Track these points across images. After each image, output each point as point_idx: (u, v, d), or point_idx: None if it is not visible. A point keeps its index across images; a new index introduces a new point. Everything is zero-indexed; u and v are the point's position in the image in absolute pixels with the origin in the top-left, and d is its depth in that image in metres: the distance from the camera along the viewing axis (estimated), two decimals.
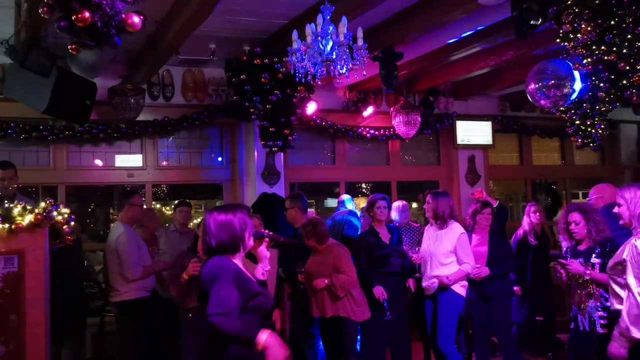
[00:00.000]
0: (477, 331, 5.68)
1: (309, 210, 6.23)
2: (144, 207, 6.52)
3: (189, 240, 5.83)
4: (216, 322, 2.75)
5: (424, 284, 5.48)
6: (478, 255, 5.53)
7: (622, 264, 3.55)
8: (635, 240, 3.48)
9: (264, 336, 2.78)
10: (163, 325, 5.59)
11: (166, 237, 6.12)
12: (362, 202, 8.85)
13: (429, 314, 5.55)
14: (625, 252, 3.54)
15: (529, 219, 6.60)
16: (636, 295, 3.38)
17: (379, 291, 5.31)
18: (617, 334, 3.49)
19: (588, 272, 4.26)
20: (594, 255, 4.31)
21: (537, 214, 6.60)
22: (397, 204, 6.45)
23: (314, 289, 5.06)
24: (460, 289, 5.31)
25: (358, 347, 5.49)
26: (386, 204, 5.73)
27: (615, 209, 3.78)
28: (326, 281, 5.02)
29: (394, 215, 6.41)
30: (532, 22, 4.33)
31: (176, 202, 6.80)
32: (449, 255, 5.33)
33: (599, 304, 4.22)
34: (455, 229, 5.40)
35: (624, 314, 3.44)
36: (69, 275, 5.18)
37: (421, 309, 5.90)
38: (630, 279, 3.43)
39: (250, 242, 3.09)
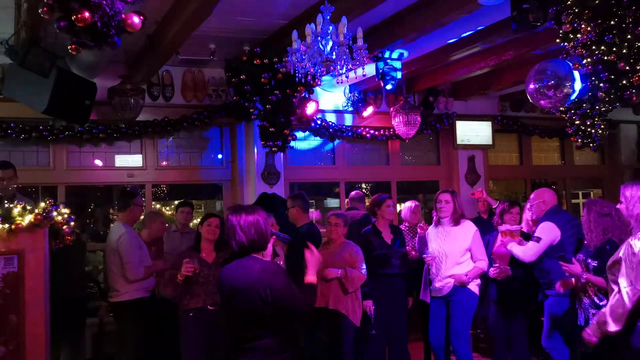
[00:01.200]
0: (497, 333, 5.64)
1: (310, 210, 6.21)
2: (152, 209, 6.52)
3: (190, 240, 5.84)
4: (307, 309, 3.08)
5: (436, 285, 5.33)
6: (502, 254, 5.51)
7: (618, 262, 3.55)
8: (632, 239, 3.48)
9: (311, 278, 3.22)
10: (163, 325, 5.59)
11: (167, 237, 6.13)
12: None
13: (439, 315, 5.37)
14: (621, 251, 3.54)
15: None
16: (624, 294, 3.43)
17: (369, 305, 5.26)
18: (595, 323, 3.65)
19: (585, 275, 4.26)
20: (590, 255, 4.30)
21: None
22: (408, 204, 6.43)
23: (323, 278, 5.03)
24: (475, 287, 5.26)
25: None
26: (392, 204, 5.78)
27: (618, 206, 3.79)
28: (340, 272, 5.05)
29: (405, 215, 6.40)
30: (531, 22, 4.33)
31: (177, 202, 6.80)
32: (465, 253, 5.26)
33: (591, 302, 4.24)
34: (470, 226, 5.35)
35: (608, 309, 3.54)
36: (68, 276, 5.18)
37: (423, 309, 5.89)
38: (621, 278, 3.46)
39: None
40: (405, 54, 6.32)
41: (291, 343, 3.08)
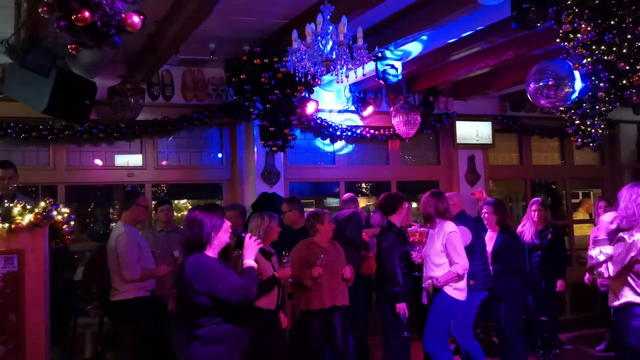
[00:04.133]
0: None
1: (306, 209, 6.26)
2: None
3: (177, 239, 5.85)
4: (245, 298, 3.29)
5: (423, 285, 5.39)
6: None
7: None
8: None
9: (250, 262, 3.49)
10: (162, 325, 5.59)
11: (154, 238, 6.16)
12: (362, 202, 8.85)
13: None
14: None
15: (530, 217, 6.59)
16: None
17: (402, 308, 5.25)
18: None
19: None
20: None
21: (535, 212, 6.57)
22: None
23: (344, 279, 5.25)
24: (453, 291, 5.09)
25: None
26: None
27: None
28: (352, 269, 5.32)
29: None
30: (531, 22, 4.33)
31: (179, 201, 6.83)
32: (440, 255, 5.12)
33: None
34: (445, 228, 5.15)
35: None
36: (56, 276, 5.15)
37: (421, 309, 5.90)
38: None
39: None
40: (418, 48, 6.26)
41: (236, 333, 3.32)
